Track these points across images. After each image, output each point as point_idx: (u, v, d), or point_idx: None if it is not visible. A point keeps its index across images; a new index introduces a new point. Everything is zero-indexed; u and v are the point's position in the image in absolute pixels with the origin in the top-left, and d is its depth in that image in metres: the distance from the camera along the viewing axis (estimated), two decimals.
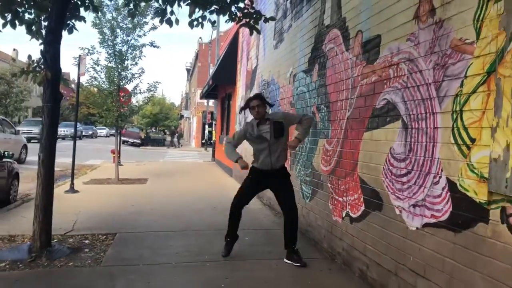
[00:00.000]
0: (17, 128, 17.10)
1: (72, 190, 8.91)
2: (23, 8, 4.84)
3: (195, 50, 48.80)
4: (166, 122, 57.47)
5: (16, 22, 4.86)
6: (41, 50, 4.66)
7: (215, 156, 18.89)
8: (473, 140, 2.60)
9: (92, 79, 11.04)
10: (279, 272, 4.32)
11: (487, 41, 2.50)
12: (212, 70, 20.50)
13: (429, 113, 3.05)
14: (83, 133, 41.53)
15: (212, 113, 26.98)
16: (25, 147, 16.06)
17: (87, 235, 5.55)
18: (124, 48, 11.01)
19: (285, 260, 4.57)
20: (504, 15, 2.37)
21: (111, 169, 12.54)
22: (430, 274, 2.98)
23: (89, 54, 10.27)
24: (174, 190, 10.01)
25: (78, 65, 9.32)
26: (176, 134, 37.71)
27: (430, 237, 2.99)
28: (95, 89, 11.91)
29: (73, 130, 10.67)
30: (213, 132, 20.38)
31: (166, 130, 61.78)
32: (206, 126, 32.98)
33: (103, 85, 11.01)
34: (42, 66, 4.76)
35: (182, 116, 63.48)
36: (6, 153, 7.70)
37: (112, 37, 10.73)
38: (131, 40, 11.02)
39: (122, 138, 21.29)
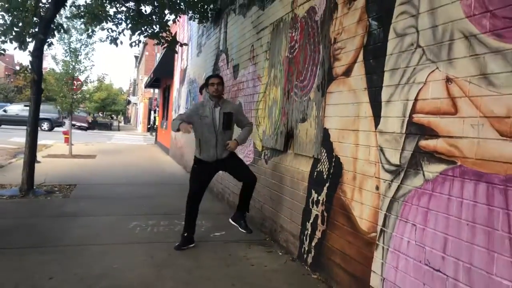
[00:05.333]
0: None
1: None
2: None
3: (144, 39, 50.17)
4: (113, 107, 58.50)
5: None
6: (30, 60, 7.17)
7: (157, 140, 21.43)
8: (260, 123, 5.55)
9: (51, 70, 13.34)
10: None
11: (265, 78, 5.44)
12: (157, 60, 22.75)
13: (251, 109, 5.99)
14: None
15: (157, 99, 29.27)
16: None
17: (56, 185, 8.13)
18: (78, 46, 13.37)
19: (230, 220, 4.63)
20: (269, 66, 5.31)
21: (63, 147, 14.90)
22: None
23: (48, 50, 12.54)
24: (119, 163, 12.59)
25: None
26: None
27: (250, 168, 5.94)
28: (52, 77, 14.15)
29: None
30: (157, 118, 22.81)
31: (113, 115, 62.53)
32: (152, 112, 35.18)
33: (60, 76, 13.34)
34: (30, 71, 7.28)
35: (129, 102, 64.57)
36: None
37: (68, 36, 13.05)
38: (84, 39, 13.38)
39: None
